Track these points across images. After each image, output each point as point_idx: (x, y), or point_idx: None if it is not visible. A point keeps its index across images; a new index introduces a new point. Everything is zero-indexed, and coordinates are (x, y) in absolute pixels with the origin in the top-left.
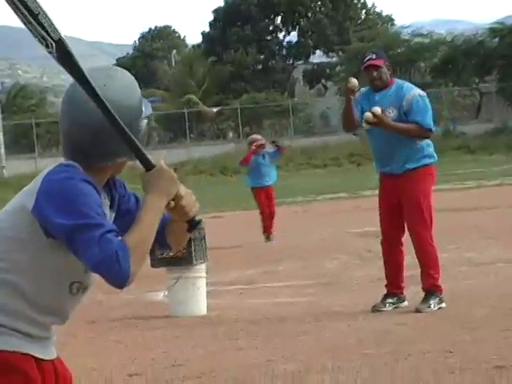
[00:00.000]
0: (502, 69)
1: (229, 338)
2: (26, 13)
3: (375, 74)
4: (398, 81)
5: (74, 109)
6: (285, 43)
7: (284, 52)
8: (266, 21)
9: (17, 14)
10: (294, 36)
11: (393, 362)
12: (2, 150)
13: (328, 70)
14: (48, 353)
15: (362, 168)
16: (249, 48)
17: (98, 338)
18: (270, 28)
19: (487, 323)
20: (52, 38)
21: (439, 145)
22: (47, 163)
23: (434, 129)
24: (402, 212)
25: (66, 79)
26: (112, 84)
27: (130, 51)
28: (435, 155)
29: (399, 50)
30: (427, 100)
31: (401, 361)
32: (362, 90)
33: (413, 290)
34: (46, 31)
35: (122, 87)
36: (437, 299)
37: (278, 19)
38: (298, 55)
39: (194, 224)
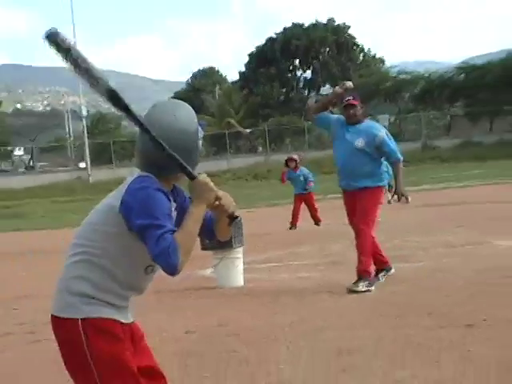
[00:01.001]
0: (467, 98)
1: (261, 304)
2: (90, 79)
3: (351, 111)
4: (368, 121)
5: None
6: (301, 79)
7: (301, 86)
8: (287, 62)
9: (81, 77)
10: (308, 74)
11: (385, 322)
12: (88, 162)
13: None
14: (127, 318)
15: None
16: (274, 83)
17: (161, 305)
18: (290, 68)
19: (459, 292)
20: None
21: (419, 156)
22: (122, 172)
23: (400, 156)
24: None
25: (136, 109)
26: (179, 115)
27: (184, 86)
28: (385, 178)
29: (388, 84)
30: (389, 134)
31: (391, 321)
32: (339, 116)
33: (397, 267)
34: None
35: (187, 117)
36: (366, 282)
37: (296, 61)
38: (312, 88)
39: (233, 218)
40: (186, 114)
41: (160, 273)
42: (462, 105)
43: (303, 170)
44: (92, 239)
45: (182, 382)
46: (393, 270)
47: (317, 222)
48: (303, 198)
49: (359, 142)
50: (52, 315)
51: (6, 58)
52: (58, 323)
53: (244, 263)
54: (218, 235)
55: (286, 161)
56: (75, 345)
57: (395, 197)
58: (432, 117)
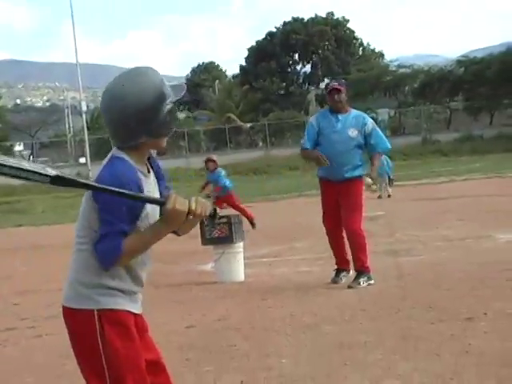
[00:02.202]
0: (467, 91)
1: (261, 299)
2: (22, 174)
3: (336, 96)
4: (354, 110)
5: (117, 108)
6: (301, 74)
7: (300, 80)
8: (287, 57)
9: (16, 177)
10: (308, 68)
11: (386, 315)
12: (88, 158)
13: None
14: (138, 308)
15: None
16: (274, 78)
17: (162, 299)
18: (290, 62)
19: (459, 285)
20: (50, 177)
21: (419, 150)
22: None
23: (389, 146)
24: (339, 208)
25: None
26: (130, 84)
27: (183, 81)
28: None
29: (388, 78)
30: (375, 124)
31: (392, 315)
32: (318, 113)
33: (397, 261)
34: (43, 174)
35: (140, 85)
36: (365, 278)
37: (296, 55)
38: (311, 83)
39: (212, 215)
40: (139, 81)
41: (159, 268)
42: (461, 98)
43: (219, 171)
44: (86, 233)
45: (183, 377)
46: (350, 273)
47: (251, 222)
48: (225, 198)
49: (352, 132)
50: (64, 306)
51: (6, 53)
52: (71, 314)
53: (244, 258)
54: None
55: (204, 162)
56: (89, 336)
57: (373, 185)
58: (432, 111)
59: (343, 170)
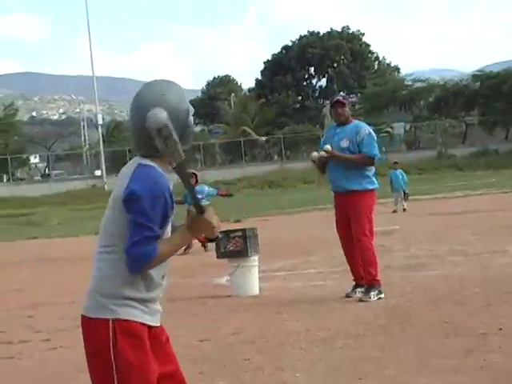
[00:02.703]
0: (482, 106)
1: (276, 312)
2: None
3: (340, 110)
4: (357, 121)
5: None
6: (316, 88)
7: (316, 94)
8: (303, 71)
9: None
10: (323, 82)
11: (401, 330)
12: (104, 170)
13: None
14: (156, 320)
15: None
16: (289, 91)
17: (177, 312)
18: (306, 76)
19: (474, 300)
20: (180, 158)
21: (435, 164)
22: None
23: (378, 156)
24: (349, 221)
25: None
26: (170, 94)
27: (198, 94)
28: (376, 182)
29: (403, 92)
30: (373, 135)
31: (407, 329)
32: (330, 126)
33: (413, 275)
34: (179, 154)
35: (176, 96)
36: (376, 291)
37: (312, 69)
38: (327, 97)
39: (213, 240)
40: (174, 92)
41: (174, 281)
42: (477, 113)
43: (203, 186)
44: (111, 241)
45: None
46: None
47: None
48: None
49: (344, 142)
50: (83, 316)
51: (22, 65)
52: (88, 323)
53: (259, 271)
54: None
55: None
56: (101, 345)
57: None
58: (447, 125)
59: (342, 181)
